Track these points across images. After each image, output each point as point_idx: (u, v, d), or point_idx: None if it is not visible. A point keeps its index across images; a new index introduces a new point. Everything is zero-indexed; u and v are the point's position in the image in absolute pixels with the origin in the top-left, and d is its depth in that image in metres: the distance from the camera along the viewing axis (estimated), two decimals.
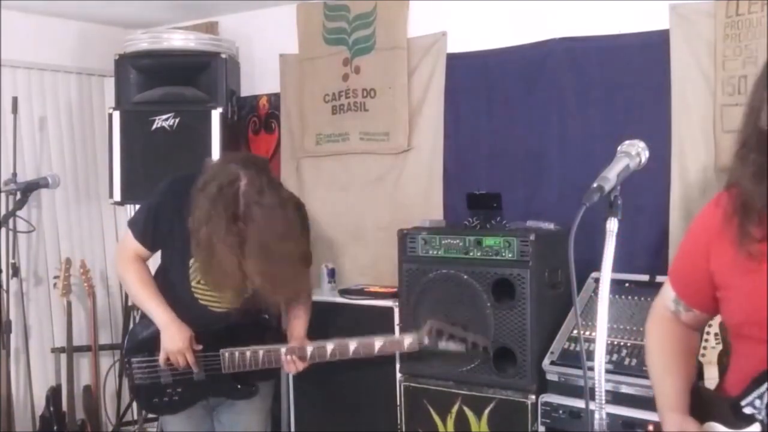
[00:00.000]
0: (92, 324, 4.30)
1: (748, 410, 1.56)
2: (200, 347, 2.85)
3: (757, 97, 1.55)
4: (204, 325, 2.87)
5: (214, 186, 2.55)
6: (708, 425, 1.65)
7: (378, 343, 2.82)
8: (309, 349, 2.86)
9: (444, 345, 2.78)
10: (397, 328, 3.32)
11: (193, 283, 2.87)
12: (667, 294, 1.84)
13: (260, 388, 3.01)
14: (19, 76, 4.32)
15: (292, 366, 2.85)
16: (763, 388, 1.54)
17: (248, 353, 2.83)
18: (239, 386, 2.93)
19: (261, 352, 2.83)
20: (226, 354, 2.85)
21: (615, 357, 2.79)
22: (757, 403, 1.55)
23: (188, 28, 4.37)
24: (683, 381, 1.77)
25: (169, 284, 2.92)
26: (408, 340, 2.82)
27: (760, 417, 1.54)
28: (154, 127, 3.97)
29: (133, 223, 2.92)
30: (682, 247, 1.83)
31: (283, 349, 2.84)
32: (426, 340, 2.78)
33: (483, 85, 3.61)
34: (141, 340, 2.95)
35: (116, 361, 4.54)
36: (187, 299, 2.88)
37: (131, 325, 4.36)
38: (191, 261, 2.79)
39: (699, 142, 3.06)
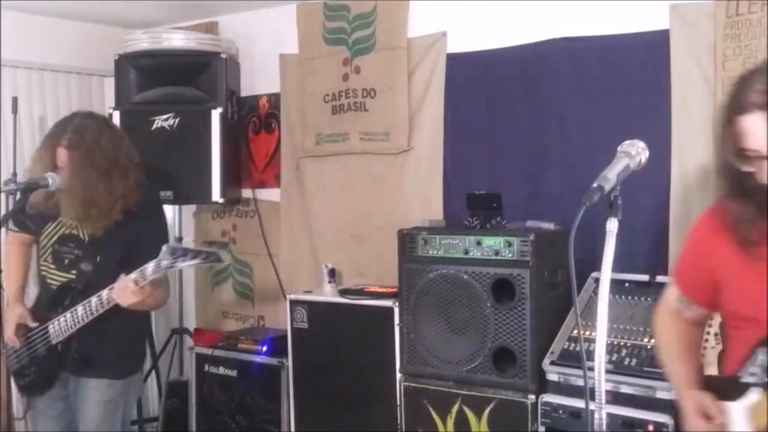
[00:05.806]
0: None
1: (748, 379, 1.78)
2: (35, 324, 2.92)
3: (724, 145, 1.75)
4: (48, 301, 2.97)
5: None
6: (716, 404, 1.87)
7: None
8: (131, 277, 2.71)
9: (182, 263, 2.57)
10: (397, 329, 3.32)
11: (41, 261, 2.99)
12: (672, 294, 2.06)
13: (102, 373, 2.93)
14: (19, 76, 4.31)
15: (123, 295, 2.69)
16: (761, 354, 1.76)
17: (68, 315, 2.84)
18: (76, 355, 2.89)
19: (79, 308, 2.81)
20: (51, 326, 2.88)
21: (615, 357, 2.79)
22: (758, 370, 1.76)
23: (188, 28, 4.37)
24: (694, 366, 2.03)
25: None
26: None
27: (761, 381, 1.75)
28: (154, 127, 3.98)
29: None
30: (685, 250, 2.04)
31: (104, 292, 2.76)
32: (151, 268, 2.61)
33: (483, 85, 3.61)
34: None
35: None
36: (40, 280, 3.02)
37: None
38: (42, 238, 2.99)
39: (699, 142, 3.05)
